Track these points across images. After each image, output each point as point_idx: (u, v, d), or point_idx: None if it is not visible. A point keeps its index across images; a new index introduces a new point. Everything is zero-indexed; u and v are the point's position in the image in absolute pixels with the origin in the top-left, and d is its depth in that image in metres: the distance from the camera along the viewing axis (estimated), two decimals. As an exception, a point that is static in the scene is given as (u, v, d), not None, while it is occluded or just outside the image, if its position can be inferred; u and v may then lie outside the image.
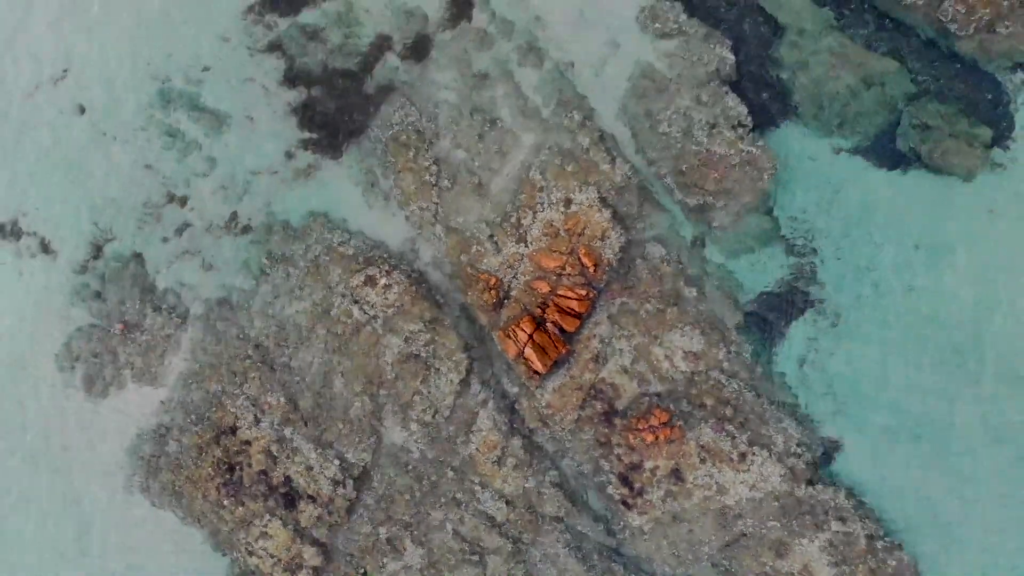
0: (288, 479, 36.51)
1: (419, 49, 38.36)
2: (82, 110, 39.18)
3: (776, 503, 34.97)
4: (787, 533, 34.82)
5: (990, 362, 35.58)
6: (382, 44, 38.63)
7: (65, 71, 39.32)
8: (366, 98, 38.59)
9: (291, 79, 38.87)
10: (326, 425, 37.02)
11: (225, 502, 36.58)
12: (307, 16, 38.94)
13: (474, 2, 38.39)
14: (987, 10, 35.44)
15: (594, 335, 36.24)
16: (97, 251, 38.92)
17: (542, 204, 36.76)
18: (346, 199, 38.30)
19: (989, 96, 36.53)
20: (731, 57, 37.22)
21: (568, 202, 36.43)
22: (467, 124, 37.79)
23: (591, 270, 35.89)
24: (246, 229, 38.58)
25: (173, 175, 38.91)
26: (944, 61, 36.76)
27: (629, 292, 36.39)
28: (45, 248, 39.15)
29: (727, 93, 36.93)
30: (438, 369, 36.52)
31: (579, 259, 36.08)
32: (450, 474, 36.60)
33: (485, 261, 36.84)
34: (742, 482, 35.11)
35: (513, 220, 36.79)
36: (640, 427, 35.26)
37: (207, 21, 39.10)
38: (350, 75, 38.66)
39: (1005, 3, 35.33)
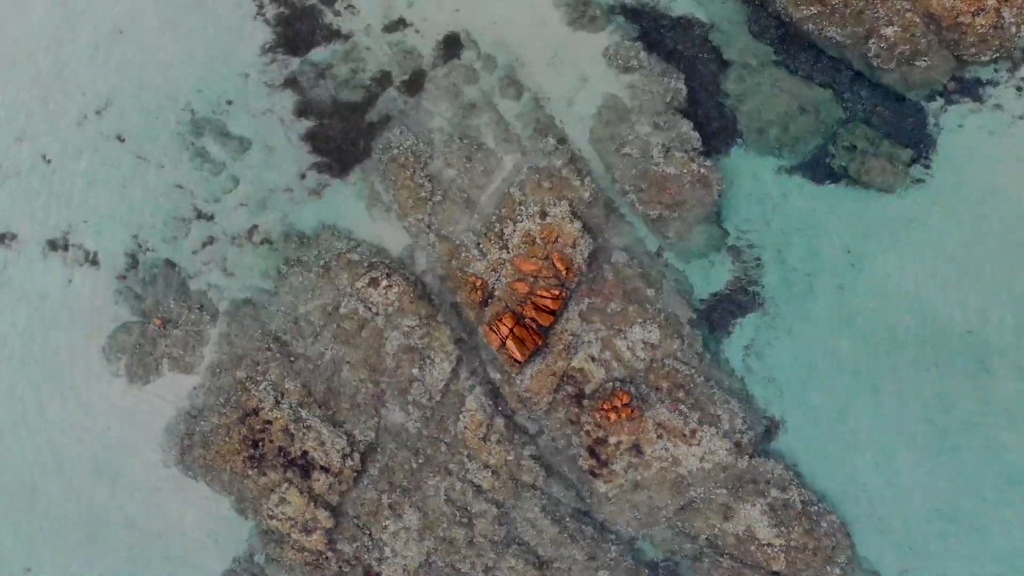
0: (304, 453, 38.09)
1: (415, 83, 40.56)
2: (121, 139, 40.56)
3: (723, 473, 37.42)
4: (733, 499, 37.28)
5: (909, 348, 38.10)
6: (383, 79, 40.64)
7: (107, 103, 40.70)
8: (369, 126, 40.45)
9: (304, 110, 40.63)
10: (336, 407, 38.68)
11: (249, 473, 38.16)
12: (317, 55, 40.73)
13: (462, 43, 40.68)
14: (906, 47, 38.45)
15: (566, 329, 38.60)
16: (135, 261, 40.11)
17: (521, 216, 39.11)
18: (352, 212, 39.90)
19: (910, 121, 39.13)
20: (684, 88, 39.48)
21: (544, 214, 38.96)
22: (457, 147, 39.85)
23: (564, 273, 38.32)
24: (265, 240, 40.12)
25: (202, 193, 40.36)
26: (871, 91, 39.38)
27: (596, 292, 38.77)
28: (90, 259, 40.28)
29: (681, 120, 39.20)
30: (432, 359, 38.53)
31: (553, 264, 38.27)
32: (443, 448, 38.50)
33: (472, 265, 39.19)
34: (693, 455, 37.43)
35: (496, 230, 39.18)
36: (605, 407, 37.39)
37: (229, 61, 40.65)
38: (355, 106, 40.63)
39: (922, 41, 38.40)
